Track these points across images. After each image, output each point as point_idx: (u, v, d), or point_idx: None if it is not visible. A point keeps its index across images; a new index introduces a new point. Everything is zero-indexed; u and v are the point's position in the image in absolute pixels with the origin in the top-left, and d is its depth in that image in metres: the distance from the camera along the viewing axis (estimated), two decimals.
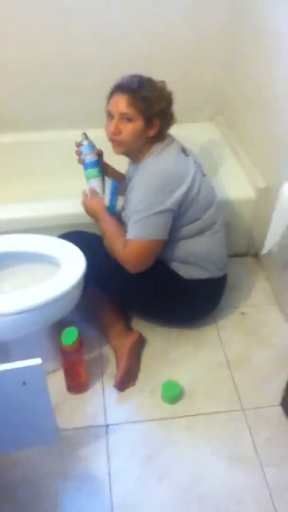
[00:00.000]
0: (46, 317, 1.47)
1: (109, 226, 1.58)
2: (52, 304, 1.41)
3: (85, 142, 1.64)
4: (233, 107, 2.26)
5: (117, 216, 1.64)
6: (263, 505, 1.31)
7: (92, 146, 1.64)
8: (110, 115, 1.50)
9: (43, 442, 1.35)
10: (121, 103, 1.45)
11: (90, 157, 1.65)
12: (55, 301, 1.42)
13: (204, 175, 1.61)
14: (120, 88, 1.47)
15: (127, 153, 1.56)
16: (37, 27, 2.06)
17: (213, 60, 2.24)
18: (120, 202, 1.67)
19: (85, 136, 1.65)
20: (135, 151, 1.53)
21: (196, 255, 1.62)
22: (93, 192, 1.66)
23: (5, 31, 2.05)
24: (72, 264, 1.51)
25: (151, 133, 1.49)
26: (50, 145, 2.32)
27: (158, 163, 1.49)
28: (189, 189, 1.49)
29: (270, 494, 1.33)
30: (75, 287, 1.45)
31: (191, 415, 1.52)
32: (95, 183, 1.67)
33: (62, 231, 1.71)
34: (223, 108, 2.38)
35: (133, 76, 1.48)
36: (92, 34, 2.10)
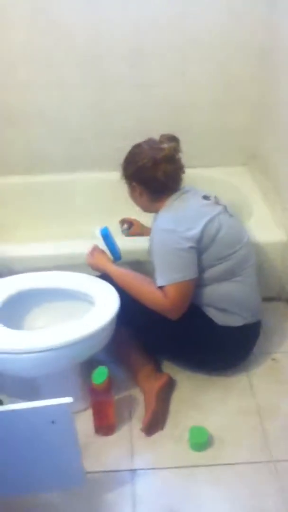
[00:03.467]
0: (75, 355, 1.48)
1: (128, 280, 1.59)
2: (82, 342, 1.42)
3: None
4: (266, 151, 2.29)
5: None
6: None
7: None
8: None
9: (68, 484, 1.33)
10: None
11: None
12: (85, 339, 1.43)
13: (231, 215, 1.63)
14: None
15: (149, 213, 1.69)
16: (72, 76, 2.19)
17: (244, 104, 2.29)
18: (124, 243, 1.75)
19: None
20: (152, 210, 1.65)
21: (231, 301, 1.61)
22: (94, 249, 1.72)
23: (42, 80, 2.19)
24: (105, 303, 1.53)
25: (144, 194, 1.60)
26: (80, 186, 2.42)
27: (170, 211, 1.57)
28: (206, 226, 1.52)
29: None
30: (106, 326, 1.47)
31: (217, 465, 1.48)
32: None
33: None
34: (256, 152, 2.41)
35: None
36: (123, 82, 2.21)
